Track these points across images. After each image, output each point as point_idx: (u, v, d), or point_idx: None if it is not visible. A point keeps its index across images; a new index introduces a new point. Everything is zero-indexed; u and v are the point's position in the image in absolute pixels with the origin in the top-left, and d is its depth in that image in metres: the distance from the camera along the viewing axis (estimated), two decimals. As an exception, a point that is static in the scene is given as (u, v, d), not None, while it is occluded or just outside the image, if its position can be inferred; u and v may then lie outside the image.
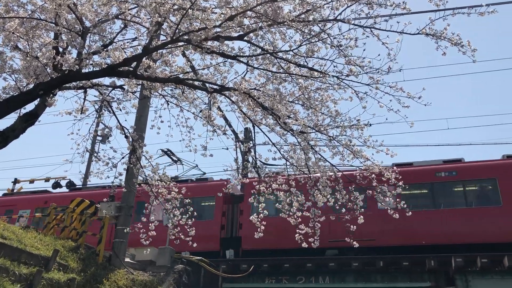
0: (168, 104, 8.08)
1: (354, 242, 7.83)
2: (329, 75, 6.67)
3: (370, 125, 6.95)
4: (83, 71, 6.60)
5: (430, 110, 71.25)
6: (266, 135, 7.74)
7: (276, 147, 7.88)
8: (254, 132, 8.55)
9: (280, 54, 6.76)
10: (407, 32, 6.36)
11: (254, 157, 9.04)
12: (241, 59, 6.84)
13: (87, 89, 7.52)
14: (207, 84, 7.25)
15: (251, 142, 18.34)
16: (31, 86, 6.61)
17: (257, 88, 7.07)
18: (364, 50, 6.39)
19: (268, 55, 6.68)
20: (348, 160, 7.39)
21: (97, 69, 6.80)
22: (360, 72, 6.53)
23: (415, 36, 6.44)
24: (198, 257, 14.25)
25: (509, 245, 12.65)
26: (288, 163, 8.05)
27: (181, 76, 7.32)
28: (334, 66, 6.57)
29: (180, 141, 8.25)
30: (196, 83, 7.30)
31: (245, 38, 6.52)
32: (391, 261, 13.06)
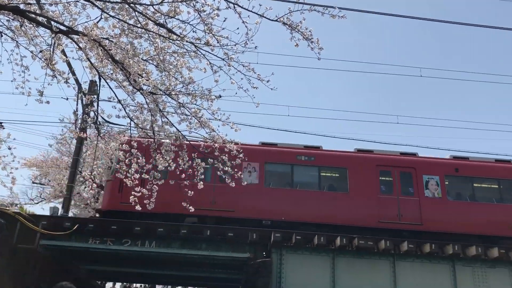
0: (1, 36, 7.09)
1: (190, 207, 8.05)
2: (187, 40, 6.59)
3: (220, 97, 7.10)
4: None
5: (276, 95, 75.85)
6: (113, 91, 7.37)
7: (122, 105, 7.56)
8: (100, 86, 8.05)
9: (140, 8, 6.44)
10: (267, 17, 6.63)
11: (96, 112, 8.53)
12: (97, 2, 6.33)
13: None
14: (52, 23, 6.55)
15: (95, 96, 17.22)
16: None
17: (109, 38, 6.63)
18: (224, 21, 6.43)
19: (127, 5, 6.31)
20: (194, 129, 7.48)
21: None
22: (217, 45, 6.60)
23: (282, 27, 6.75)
24: (16, 210, 13.00)
25: (353, 229, 14.22)
26: (132, 123, 7.81)
27: (22, 6, 6.47)
28: (194, 32, 6.52)
29: (11, 81, 7.33)
30: (40, 18, 6.53)
31: (105, -19, 6.05)
32: (218, 231, 13.67)
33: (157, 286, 28.94)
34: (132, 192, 7.86)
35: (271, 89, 7.15)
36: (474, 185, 15.50)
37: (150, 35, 6.84)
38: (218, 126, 7.54)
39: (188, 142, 7.85)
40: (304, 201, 14.90)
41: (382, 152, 16.33)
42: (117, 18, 6.51)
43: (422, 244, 13.08)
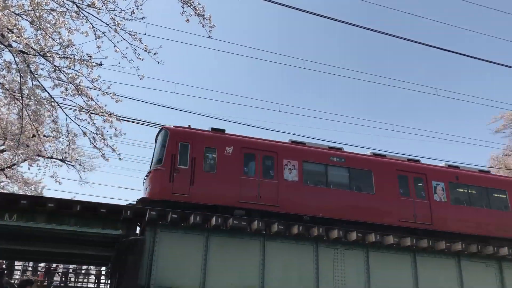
0: None
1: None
2: (69, -1, 6.09)
3: (101, 64, 6.70)
4: None
5: (164, 71, 74.06)
6: (-24, 44, 6.52)
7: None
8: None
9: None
10: (160, -13, 6.40)
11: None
12: None
13: None
14: None
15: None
16: None
17: (-25, -17, 5.85)
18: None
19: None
20: (71, 96, 6.96)
21: None
22: (103, 8, 6.21)
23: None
24: None
25: (379, 226, 15.30)
26: (-3, 83, 7.02)
27: None
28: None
29: None
30: None
31: None
32: (89, 206, 13.04)
33: (16, 262, 26.70)
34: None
35: (158, 62, 6.96)
36: (469, 191, 17.79)
37: (25, -13, 6.19)
38: (97, 95, 7.14)
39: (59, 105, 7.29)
40: (337, 199, 15.82)
41: (394, 157, 17.88)
42: (-14, -39, 5.77)
43: (291, 226, 13.91)
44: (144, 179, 15.30)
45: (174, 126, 15.11)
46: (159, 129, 15.54)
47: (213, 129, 15.52)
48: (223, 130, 15.71)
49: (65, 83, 6.87)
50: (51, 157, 19.45)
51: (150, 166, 15.11)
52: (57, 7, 6.40)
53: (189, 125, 15.47)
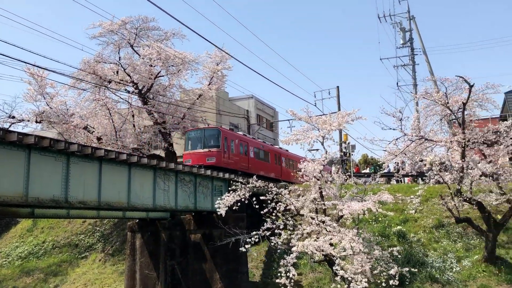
0: None
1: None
2: None
3: None
4: None
5: None
6: None
7: None
8: None
9: None
10: None
11: None
12: None
13: None
14: None
15: None
16: None
17: None
18: None
19: None
20: None
21: None
22: None
23: None
24: None
25: (271, 179, 27.37)
26: None
27: None
28: None
29: None
30: None
31: None
32: None
33: None
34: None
35: None
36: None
37: None
38: None
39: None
40: (262, 166, 30.70)
41: (266, 143, 34.94)
42: None
43: (7, 133, 12.88)
44: (195, 153, 26.32)
45: (221, 127, 29.22)
46: (204, 127, 28.76)
47: (230, 128, 30.78)
48: (233, 129, 31.95)
49: None
50: None
51: (203, 146, 26.25)
52: None
53: (221, 125, 31.93)
